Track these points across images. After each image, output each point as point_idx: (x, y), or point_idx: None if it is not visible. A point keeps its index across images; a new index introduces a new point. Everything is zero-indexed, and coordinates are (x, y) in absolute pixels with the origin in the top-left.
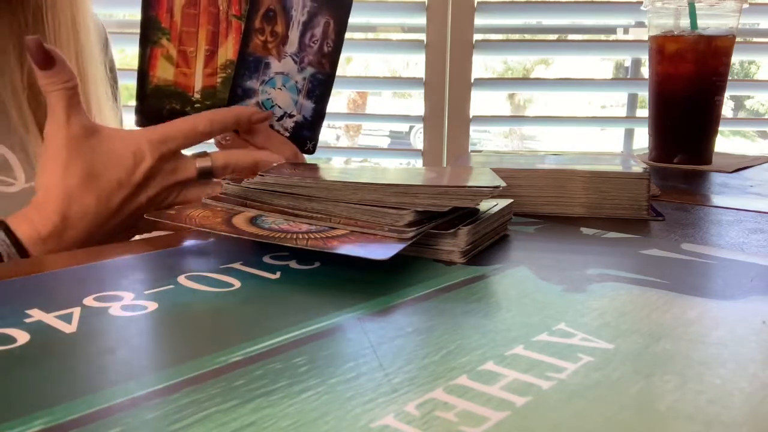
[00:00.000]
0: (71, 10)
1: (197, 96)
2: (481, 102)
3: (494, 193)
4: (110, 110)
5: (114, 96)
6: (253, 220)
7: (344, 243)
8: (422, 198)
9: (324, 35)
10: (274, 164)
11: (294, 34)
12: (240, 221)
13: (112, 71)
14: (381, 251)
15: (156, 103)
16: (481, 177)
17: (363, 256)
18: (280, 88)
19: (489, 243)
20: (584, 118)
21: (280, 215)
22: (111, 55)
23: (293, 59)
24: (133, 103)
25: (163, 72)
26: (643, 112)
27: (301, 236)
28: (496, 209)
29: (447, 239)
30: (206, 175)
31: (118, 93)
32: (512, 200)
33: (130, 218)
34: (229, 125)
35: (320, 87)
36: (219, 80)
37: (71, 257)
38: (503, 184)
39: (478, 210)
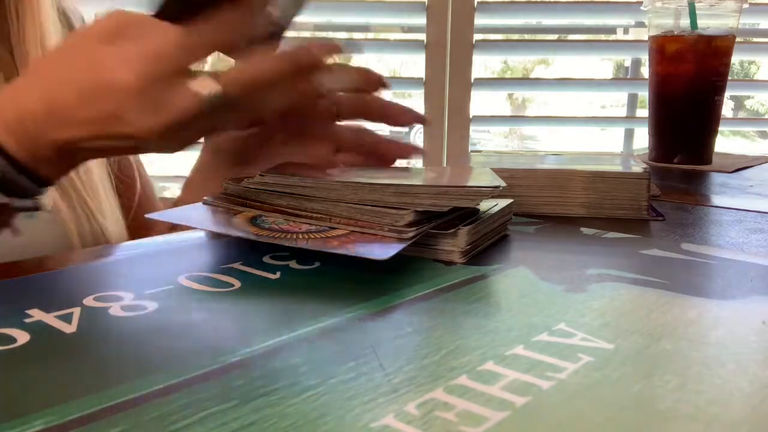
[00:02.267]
0: (37, 6)
1: None
2: (481, 102)
3: (494, 193)
4: None
5: None
6: (253, 220)
7: (344, 243)
8: (422, 198)
9: None
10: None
11: None
12: (240, 221)
13: None
14: (381, 251)
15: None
16: (481, 177)
17: (363, 256)
18: None
19: (489, 243)
20: (584, 118)
21: (280, 215)
22: None
23: None
24: None
25: None
26: (643, 112)
27: (301, 236)
28: (496, 209)
29: (447, 239)
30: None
31: None
32: (512, 200)
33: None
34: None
35: None
36: None
37: (71, 257)
38: (503, 184)
39: (478, 210)
